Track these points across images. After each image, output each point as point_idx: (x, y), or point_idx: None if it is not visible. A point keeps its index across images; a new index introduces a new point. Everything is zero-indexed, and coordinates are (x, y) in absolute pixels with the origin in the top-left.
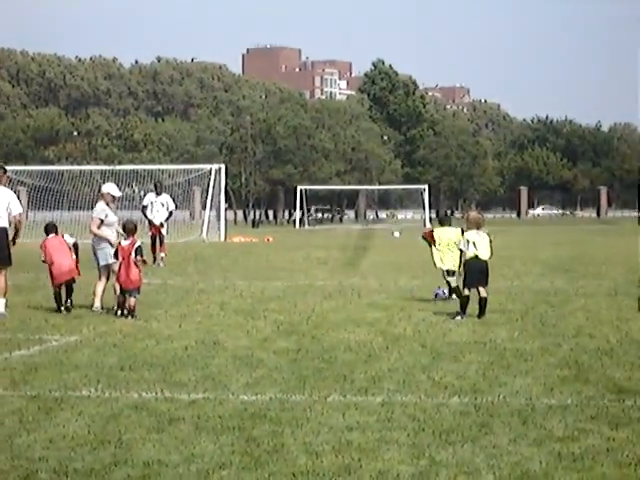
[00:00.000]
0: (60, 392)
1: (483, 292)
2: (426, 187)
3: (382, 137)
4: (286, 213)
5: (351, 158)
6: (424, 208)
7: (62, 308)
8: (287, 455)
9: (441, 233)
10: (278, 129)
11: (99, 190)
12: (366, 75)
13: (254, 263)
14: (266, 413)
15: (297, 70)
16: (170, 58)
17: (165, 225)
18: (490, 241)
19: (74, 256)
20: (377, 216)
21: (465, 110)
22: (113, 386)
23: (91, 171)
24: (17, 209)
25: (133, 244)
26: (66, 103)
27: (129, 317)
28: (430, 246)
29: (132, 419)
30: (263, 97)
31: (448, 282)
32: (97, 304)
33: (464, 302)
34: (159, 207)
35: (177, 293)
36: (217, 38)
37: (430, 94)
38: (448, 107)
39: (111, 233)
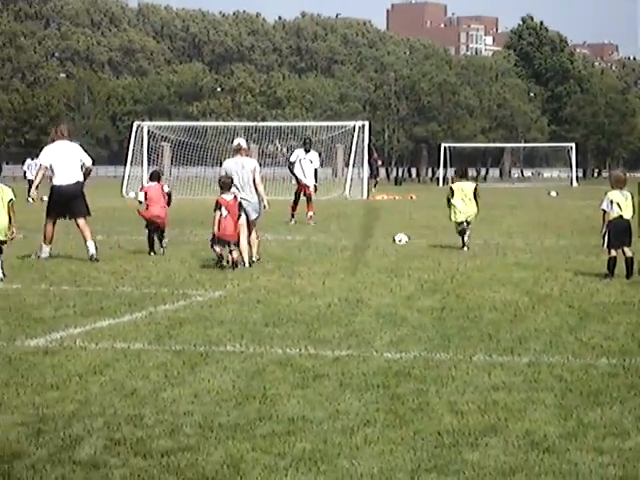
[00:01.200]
0: (205, 347)
1: (629, 252)
2: (573, 145)
3: (528, 94)
4: (429, 171)
5: (496, 115)
6: (571, 167)
7: (152, 252)
8: (432, 413)
9: (458, 186)
10: (422, 86)
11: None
12: (512, 31)
13: (397, 221)
14: (410, 371)
15: (442, 26)
16: (314, 14)
17: (317, 186)
18: (633, 200)
19: (167, 205)
20: (522, 174)
21: (614, 67)
22: (257, 342)
23: (234, 127)
24: (89, 161)
25: (236, 199)
26: (210, 59)
27: (235, 268)
28: (448, 202)
29: (277, 375)
30: (407, 53)
31: (462, 233)
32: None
33: (611, 263)
34: (307, 164)
35: (320, 250)
36: None
37: (578, 51)
38: (596, 64)
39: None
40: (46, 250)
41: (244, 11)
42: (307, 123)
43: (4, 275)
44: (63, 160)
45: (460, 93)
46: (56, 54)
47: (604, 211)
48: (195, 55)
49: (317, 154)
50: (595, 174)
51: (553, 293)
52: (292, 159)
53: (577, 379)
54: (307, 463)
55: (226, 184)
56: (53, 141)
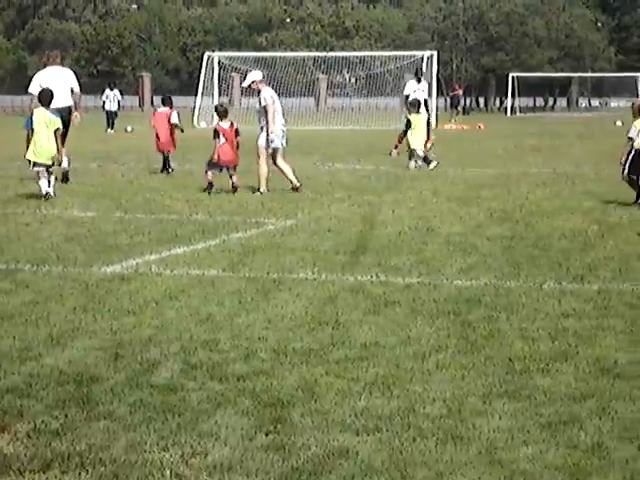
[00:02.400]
0: (277, 274)
1: None
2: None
3: (596, 23)
4: (497, 100)
5: (564, 45)
6: (637, 96)
7: (163, 171)
8: (503, 340)
9: (415, 118)
10: (490, 15)
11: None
12: None
13: (466, 150)
14: (481, 298)
15: None
16: None
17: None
18: None
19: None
20: (589, 104)
21: None
22: (329, 269)
23: (304, 58)
24: (77, 87)
25: (233, 125)
26: None
27: (235, 193)
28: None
29: (348, 301)
30: None
31: (424, 157)
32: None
33: (634, 185)
34: (420, 95)
35: (390, 179)
36: None
37: None
38: None
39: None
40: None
41: None
42: (375, 53)
43: (54, 194)
44: (53, 85)
45: (528, 23)
46: None
47: (630, 138)
48: None
49: (427, 84)
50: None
51: (622, 221)
52: (406, 92)
53: None
54: (380, 388)
55: (223, 112)
56: (45, 66)
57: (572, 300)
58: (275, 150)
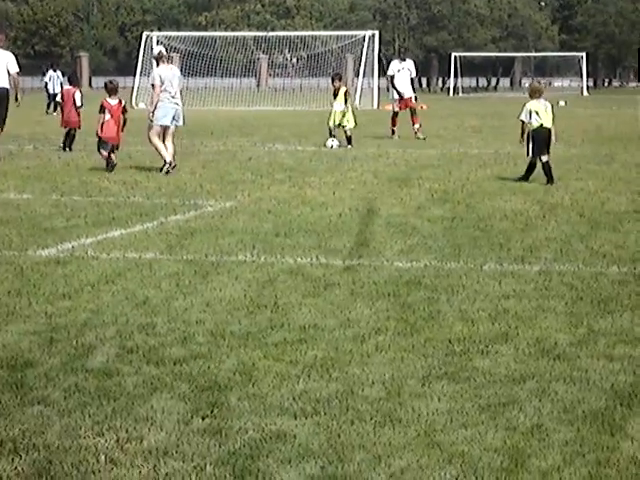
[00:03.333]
0: (216, 257)
1: (545, 157)
2: (584, 55)
3: (539, 2)
4: (440, 81)
5: (507, 24)
6: (581, 76)
7: (66, 149)
8: (443, 322)
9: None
10: None
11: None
12: None
13: (407, 131)
14: (421, 280)
15: None
16: None
17: (416, 96)
18: (552, 109)
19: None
20: None
21: None
22: (269, 251)
23: (244, 37)
24: (14, 68)
25: (121, 102)
26: None
27: (111, 171)
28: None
29: (288, 284)
30: None
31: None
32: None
33: (531, 168)
34: (405, 75)
35: (330, 160)
36: None
37: None
38: None
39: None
40: None
41: None
42: (317, 32)
43: None
44: None
45: (470, 2)
46: None
47: (522, 122)
48: None
49: (413, 62)
50: (606, 83)
51: (564, 202)
52: (390, 72)
53: (587, 287)
54: (319, 370)
55: (112, 89)
56: None
57: (512, 281)
58: (164, 128)
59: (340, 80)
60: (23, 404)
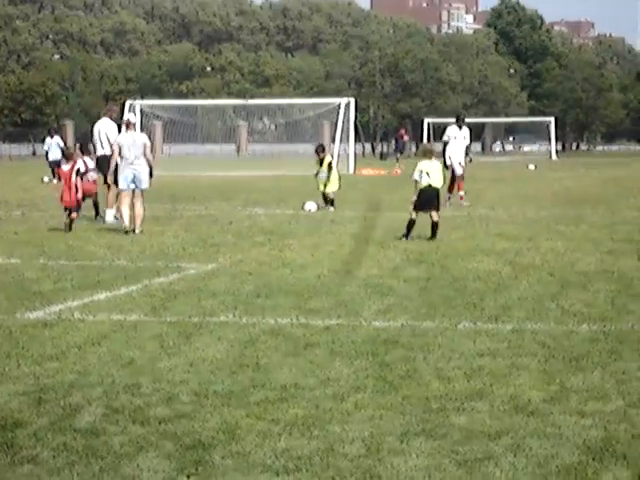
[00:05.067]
0: (199, 318)
1: (435, 216)
2: (552, 120)
3: (508, 70)
4: (413, 146)
5: (477, 91)
6: (550, 140)
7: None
8: (420, 380)
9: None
10: (406, 63)
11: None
12: (493, 9)
13: (383, 195)
14: (398, 339)
15: (424, 5)
16: None
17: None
18: (443, 170)
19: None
20: (503, 149)
21: (590, 44)
22: (250, 312)
23: (224, 105)
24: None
25: (73, 167)
26: (199, 39)
27: (69, 231)
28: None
29: (269, 344)
30: (391, 32)
31: (331, 200)
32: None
33: (411, 225)
34: (460, 142)
35: (309, 223)
36: None
37: (556, 28)
38: (574, 41)
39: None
40: None
41: None
42: (294, 100)
43: None
44: None
45: (442, 70)
46: (50, 36)
47: (416, 181)
48: (184, 35)
49: (468, 130)
50: (574, 147)
51: (535, 262)
52: (445, 138)
53: (559, 345)
54: (300, 428)
55: (68, 155)
56: None
57: (487, 340)
58: (121, 191)
59: (324, 151)
60: (13, 463)
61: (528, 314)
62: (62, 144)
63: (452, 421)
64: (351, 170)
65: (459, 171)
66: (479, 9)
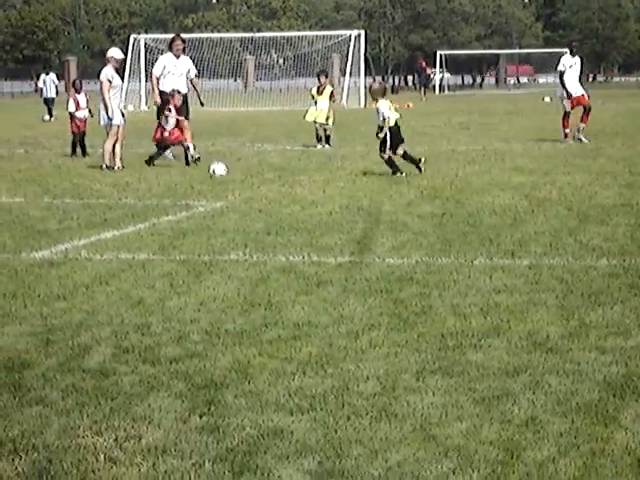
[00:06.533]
0: (208, 256)
1: (402, 150)
2: (568, 50)
3: (523, 0)
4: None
5: (491, 22)
6: None
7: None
8: (435, 316)
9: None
10: None
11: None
12: None
13: None
14: (412, 276)
15: None
16: None
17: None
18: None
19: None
20: (518, 81)
21: None
22: (261, 250)
23: (231, 39)
24: (194, 73)
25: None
26: None
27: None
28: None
29: (281, 282)
30: None
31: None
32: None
33: (393, 161)
34: (575, 71)
35: (320, 159)
36: None
37: None
38: None
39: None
40: None
41: None
42: (303, 33)
43: None
44: None
45: (455, 0)
46: None
47: (385, 118)
48: None
49: (580, 58)
50: (590, 79)
51: (552, 196)
52: (561, 67)
53: (578, 280)
54: (314, 367)
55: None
56: None
57: (503, 276)
58: (112, 127)
59: (326, 77)
60: (21, 405)
61: (545, 249)
62: (57, 81)
63: (469, 358)
64: (362, 104)
65: (568, 107)
66: None
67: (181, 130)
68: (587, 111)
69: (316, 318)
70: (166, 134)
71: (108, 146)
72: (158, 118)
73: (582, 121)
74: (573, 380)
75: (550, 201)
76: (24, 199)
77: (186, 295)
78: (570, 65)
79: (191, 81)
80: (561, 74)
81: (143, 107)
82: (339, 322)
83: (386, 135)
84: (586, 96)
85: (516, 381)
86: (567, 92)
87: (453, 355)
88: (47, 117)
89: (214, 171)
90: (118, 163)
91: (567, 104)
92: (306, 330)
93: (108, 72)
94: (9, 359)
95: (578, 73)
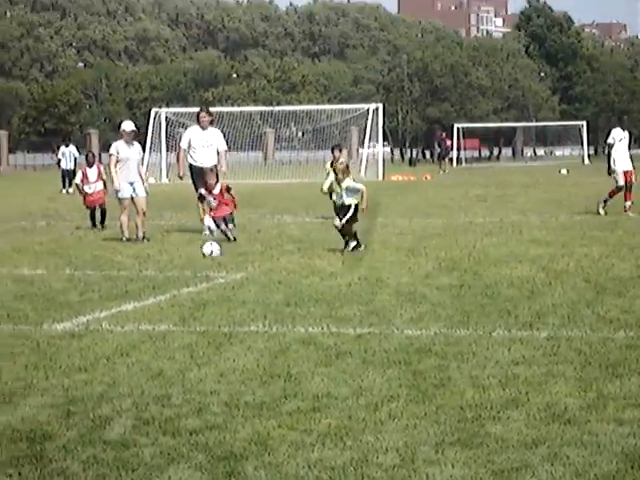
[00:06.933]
0: (229, 327)
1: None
2: (584, 123)
3: (539, 74)
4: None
5: (508, 95)
6: (582, 144)
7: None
8: (454, 388)
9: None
10: (434, 67)
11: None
12: (522, 13)
13: (413, 201)
14: (431, 347)
15: (452, 8)
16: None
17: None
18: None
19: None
20: (535, 153)
21: (622, 46)
22: (280, 321)
23: (250, 112)
24: (223, 146)
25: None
26: (224, 45)
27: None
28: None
29: (300, 353)
30: (419, 36)
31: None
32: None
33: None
34: (625, 145)
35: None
36: None
37: (587, 30)
38: (605, 43)
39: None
40: None
41: None
42: (322, 106)
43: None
44: None
45: (472, 74)
46: (73, 43)
47: (361, 190)
48: (210, 42)
49: (628, 133)
50: (606, 151)
51: (569, 268)
52: (610, 140)
53: (596, 352)
54: (333, 439)
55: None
56: None
57: (521, 347)
58: (121, 200)
59: (340, 151)
60: (43, 477)
61: (563, 321)
62: (77, 154)
63: (488, 430)
64: (380, 176)
65: (621, 182)
66: (509, 12)
67: (225, 203)
68: (629, 188)
69: (335, 390)
70: (217, 212)
71: (123, 218)
72: (196, 191)
73: (627, 198)
74: (591, 452)
75: (567, 273)
76: (46, 271)
77: (206, 366)
78: (620, 139)
79: (218, 153)
80: (609, 147)
81: (164, 180)
82: (358, 394)
83: (355, 208)
84: (632, 174)
85: (535, 453)
86: (610, 166)
87: (472, 427)
88: (63, 189)
89: (212, 252)
90: (140, 235)
91: (620, 178)
92: (325, 402)
93: (115, 145)
94: (31, 431)
95: (627, 147)
